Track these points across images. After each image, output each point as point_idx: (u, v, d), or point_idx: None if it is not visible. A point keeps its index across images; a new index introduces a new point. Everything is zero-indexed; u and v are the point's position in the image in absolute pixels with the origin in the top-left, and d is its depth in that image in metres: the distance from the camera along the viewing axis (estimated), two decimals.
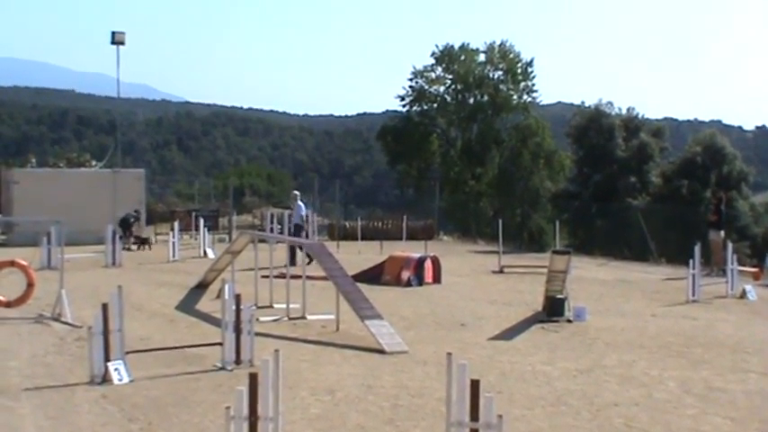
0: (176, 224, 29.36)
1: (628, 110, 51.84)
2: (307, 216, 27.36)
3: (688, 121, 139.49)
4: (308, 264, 21.84)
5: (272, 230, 31.36)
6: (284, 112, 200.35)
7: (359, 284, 15.64)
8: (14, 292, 15.93)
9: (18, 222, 31.00)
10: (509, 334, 14.71)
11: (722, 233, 25.12)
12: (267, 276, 17.40)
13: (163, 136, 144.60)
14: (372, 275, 21.58)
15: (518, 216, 50.70)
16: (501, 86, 54.86)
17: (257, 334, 11.89)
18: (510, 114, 55.62)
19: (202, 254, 28.70)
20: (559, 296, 16.35)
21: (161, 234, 35.40)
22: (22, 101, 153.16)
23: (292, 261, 23.12)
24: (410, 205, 49.94)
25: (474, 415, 6.65)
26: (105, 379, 10.53)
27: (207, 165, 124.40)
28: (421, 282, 21.39)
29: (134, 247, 31.44)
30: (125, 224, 31.70)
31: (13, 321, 15.05)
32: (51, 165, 48.43)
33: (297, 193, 26.93)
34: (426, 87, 55.27)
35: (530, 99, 55.27)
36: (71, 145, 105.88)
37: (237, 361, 11.38)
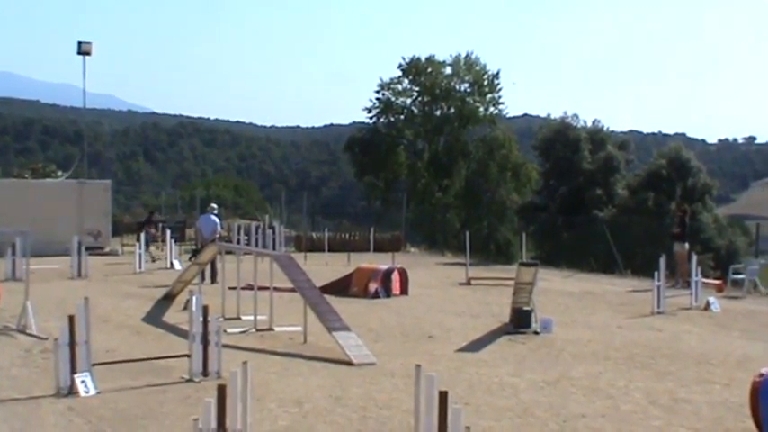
0: (143, 235, 29.19)
1: (593, 122, 52.28)
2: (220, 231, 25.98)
3: (653, 134, 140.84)
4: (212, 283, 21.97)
5: (238, 241, 31.37)
6: (251, 123, 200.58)
7: (326, 296, 15.67)
8: None
9: None
10: (476, 346, 14.75)
11: (687, 245, 25.29)
12: (234, 288, 17.36)
13: (129, 147, 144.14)
14: (340, 287, 21.59)
15: (485, 228, 50.95)
16: (467, 99, 55.11)
17: (225, 346, 11.86)
18: (477, 126, 55.94)
19: (169, 265, 28.56)
20: (526, 308, 16.41)
21: (127, 245, 35.20)
22: None
23: (213, 278, 22.97)
24: (377, 217, 50.06)
25: (442, 427, 6.67)
26: (72, 391, 10.47)
27: (173, 176, 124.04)
28: (388, 293, 21.40)
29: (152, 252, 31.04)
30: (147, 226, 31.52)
31: None
32: (16, 175, 48.03)
33: (214, 206, 26.21)
34: (393, 99, 55.48)
35: (496, 111, 55.60)
36: (36, 155, 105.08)
37: (205, 373, 11.35)
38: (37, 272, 22.00)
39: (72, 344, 10.54)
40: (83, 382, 10.56)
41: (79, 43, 37.79)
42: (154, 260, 30.35)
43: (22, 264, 21.81)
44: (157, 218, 34.31)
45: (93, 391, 10.54)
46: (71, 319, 10.58)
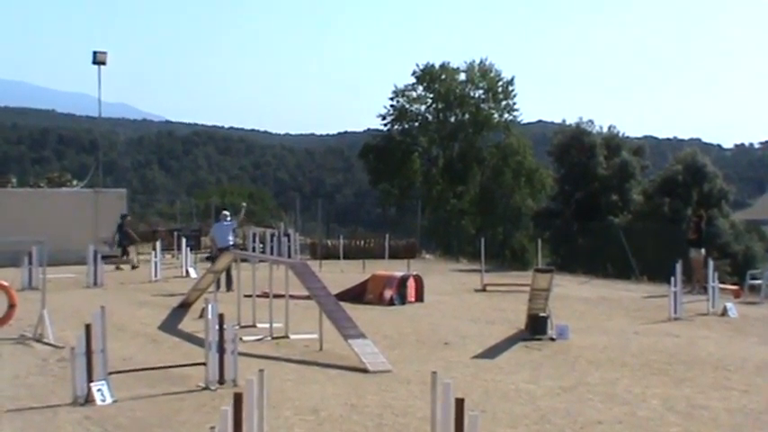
0: (158, 244, 29.24)
1: (608, 128, 52.21)
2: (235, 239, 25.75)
3: (668, 139, 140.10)
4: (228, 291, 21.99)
5: (254, 249, 31.40)
6: (265, 131, 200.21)
7: (342, 303, 15.64)
8: None
9: None
10: (492, 352, 14.73)
11: (703, 251, 25.19)
12: (250, 296, 17.38)
13: (144, 155, 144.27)
14: (355, 294, 21.57)
15: (500, 234, 50.86)
16: (482, 105, 55.10)
17: (241, 354, 11.87)
18: (491, 133, 55.91)
19: (185, 273, 28.59)
20: (542, 314, 16.37)
21: (143, 254, 35.23)
22: (2, 121, 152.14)
23: (229, 285, 22.96)
24: (392, 224, 49.99)
25: None
26: (88, 400, 10.49)
27: (188, 184, 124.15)
28: (404, 300, 21.38)
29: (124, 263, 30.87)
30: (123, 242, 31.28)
31: None
32: (32, 184, 48.13)
33: (227, 213, 25.97)
34: (407, 106, 55.47)
35: (510, 117, 55.55)
36: (52, 165, 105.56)
37: (221, 381, 11.37)
38: (53, 281, 22.08)
39: (88, 352, 10.57)
40: (99, 390, 10.59)
41: (94, 53, 37.96)
42: (119, 268, 30.34)
43: (38, 273, 21.88)
44: (130, 221, 34.22)
45: (109, 400, 10.56)
46: (87, 327, 10.60)
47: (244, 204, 27.21)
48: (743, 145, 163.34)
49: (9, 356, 13.91)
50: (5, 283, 16.41)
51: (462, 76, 55.58)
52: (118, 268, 30.35)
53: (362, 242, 39.21)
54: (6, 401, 10.77)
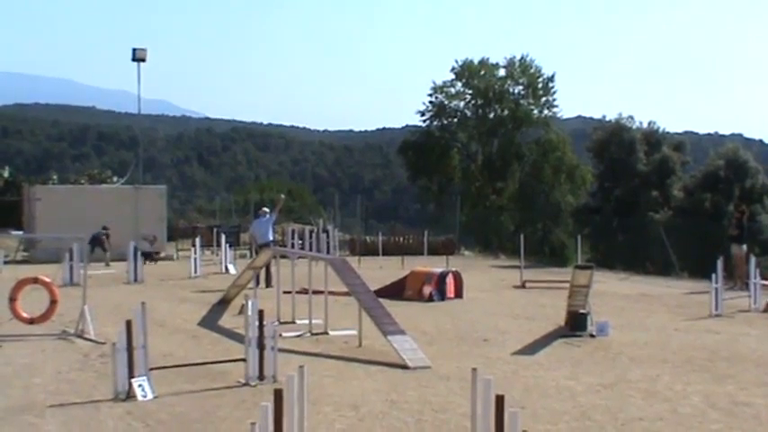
0: (198, 240, 29.38)
1: (649, 123, 51.75)
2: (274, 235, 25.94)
3: (709, 134, 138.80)
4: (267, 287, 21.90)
5: (293, 246, 31.47)
6: (304, 128, 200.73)
7: (381, 300, 15.63)
8: (38, 308, 15.94)
9: (41, 239, 31.10)
10: (532, 349, 14.68)
11: (744, 247, 24.97)
12: (289, 292, 17.42)
13: (183, 152, 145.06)
14: (394, 291, 21.54)
15: (539, 230, 50.63)
16: (521, 101, 54.92)
17: (280, 350, 11.89)
18: (530, 129, 55.68)
19: (224, 270, 28.70)
20: (582, 311, 16.29)
21: (183, 250, 35.44)
22: (43, 117, 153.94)
23: (268, 282, 22.91)
24: (431, 220, 49.94)
25: (499, 430, 6.63)
26: (129, 395, 10.56)
27: (227, 180, 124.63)
28: (443, 297, 21.35)
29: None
30: (95, 242, 30.83)
31: (36, 338, 15.11)
32: (73, 181, 48.49)
33: (267, 209, 25.85)
34: (446, 102, 55.38)
35: (550, 113, 55.30)
36: (92, 161, 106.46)
37: (261, 377, 11.40)
38: (94, 277, 22.24)
39: (129, 348, 10.63)
40: (140, 386, 10.65)
41: (134, 50, 38.14)
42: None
43: (79, 269, 22.04)
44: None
45: (150, 396, 10.62)
46: (128, 323, 10.66)
47: (282, 196, 27.29)
48: None
49: (51, 352, 14.04)
50: (47, 279, 16.51)
51: (502, 72, 55.50)
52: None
53: (401, 238, 39.19)
54: (49, 396, 10.87)
